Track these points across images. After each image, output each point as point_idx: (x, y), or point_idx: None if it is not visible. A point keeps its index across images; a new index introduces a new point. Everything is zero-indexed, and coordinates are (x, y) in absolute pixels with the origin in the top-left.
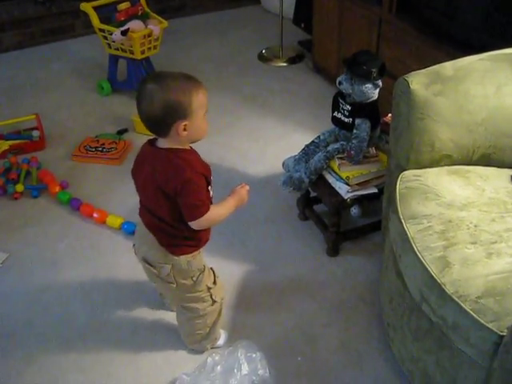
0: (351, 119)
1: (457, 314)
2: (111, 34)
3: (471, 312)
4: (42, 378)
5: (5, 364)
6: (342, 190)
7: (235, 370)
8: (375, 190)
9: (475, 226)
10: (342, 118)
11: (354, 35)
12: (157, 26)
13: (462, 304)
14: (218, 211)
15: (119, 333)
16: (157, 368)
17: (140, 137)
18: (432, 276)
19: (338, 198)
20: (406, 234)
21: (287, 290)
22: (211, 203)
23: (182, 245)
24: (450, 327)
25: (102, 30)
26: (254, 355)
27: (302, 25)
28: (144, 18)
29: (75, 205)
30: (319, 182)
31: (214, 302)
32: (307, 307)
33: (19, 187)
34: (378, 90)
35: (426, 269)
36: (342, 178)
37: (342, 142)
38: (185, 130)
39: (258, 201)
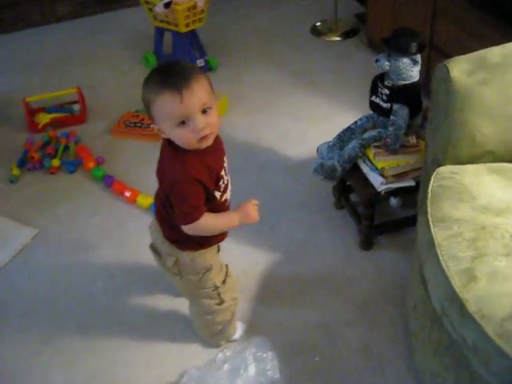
0: (389, 104)
1: (477, 336)
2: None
3: (493, 336)
4: (57, 359)
5: (24, 342)
6: (376, 181)
7: (241, 371)
8: (412, 183)
9: (511, 235)
10: (380, 102)
11: (409, 10)
12: None
13: (483, 326)
14: (213, 222)
15: (137, 318)
16: (170, 358)
17: None
18: (454, 290)
19: (371, 190)
20: (433, 240)
21: (313, 283)
22: (227, 207)
23: (186, 241)
24: (469, 349)
25: (147, 2)
26: (264, 355)
27: None
28: None
29: (108, 182)
30: (353, 171)
31: (222, 301)
32: (331, 304)
33: (55, 162)
34: (417, 69)
35: (449, 281)
36: (376, 169)
37: (379, 130)
38: (162, 132)
39: (293, 186)
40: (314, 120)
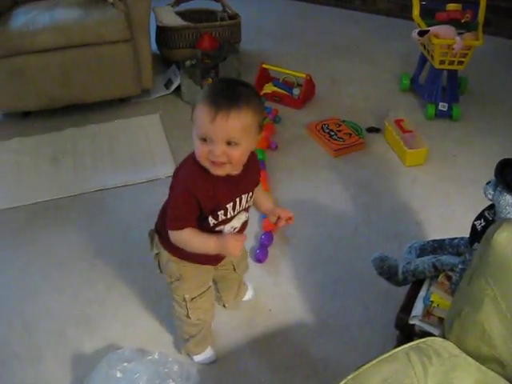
0: (477, 238)
1: None
2: None
3: None
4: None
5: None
6: (416, 311)
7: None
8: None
9: None
10: (478, 228)
11: None
12: (471, 40)
13: None
14: (193, 240)
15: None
16: (142, 333)
17: (384, 146)
18: None
19: (404, 316)
20: None
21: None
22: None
23: (169, 241)
24: None
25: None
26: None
27: None
28: (469, 27)
29: None
30: (415, 283)
31: (188, 315)
32: None
33: None
34: None
35: None
36: (429, 299)
37: (464, 260)
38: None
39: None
40: None
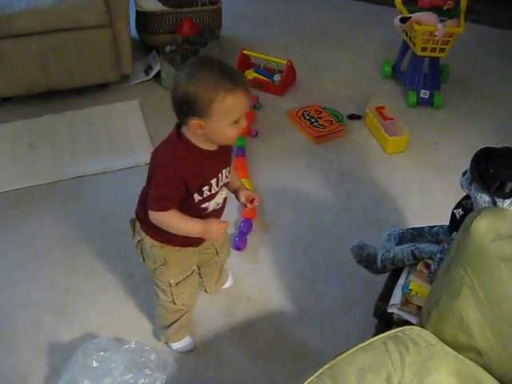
0: (456, 227)
1: None
2: None
3: None
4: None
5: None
6: (395, 299)
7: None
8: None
9: None
10: (457, 217)
11: None
12: (453, 27)
13: None
14: (177, 222)
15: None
16: (119, 321)
17: (365, 133)
18: None
19: (383, 304)
20: None
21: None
22: (204, 217)
23: (148, 224)
24: None
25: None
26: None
27: None
28: (451, 14)
29: (236, 153)
30: (394, 272)
31: (173, 301)
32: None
33: None
34: None
35: None
36: (407, 287)
37: (443, 248)
38: (201, 128)
39: None
40: None
